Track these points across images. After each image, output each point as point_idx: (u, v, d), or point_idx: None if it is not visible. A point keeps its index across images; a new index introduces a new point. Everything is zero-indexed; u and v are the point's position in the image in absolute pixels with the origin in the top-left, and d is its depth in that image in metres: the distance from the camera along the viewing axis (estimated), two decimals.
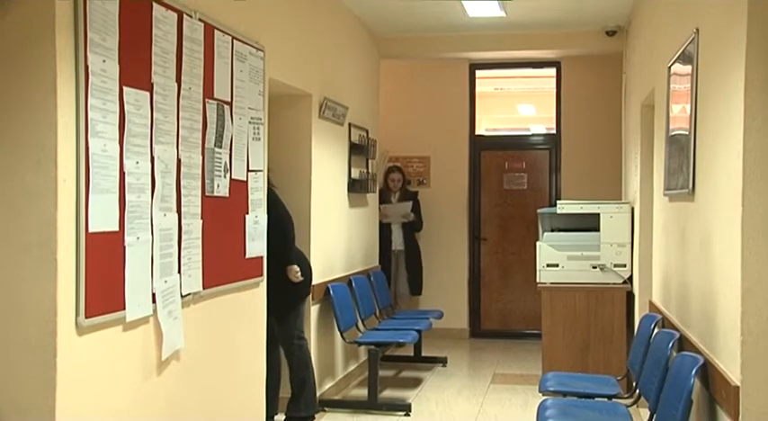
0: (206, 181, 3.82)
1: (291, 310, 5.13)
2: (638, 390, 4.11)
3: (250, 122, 4.33)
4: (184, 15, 3.60)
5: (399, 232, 8.10)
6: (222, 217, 4.00)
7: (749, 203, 2.65)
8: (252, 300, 4.44)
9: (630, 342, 5.34)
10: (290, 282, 5.02)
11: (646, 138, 5.58)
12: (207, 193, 3.83)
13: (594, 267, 6.11)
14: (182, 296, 3.56)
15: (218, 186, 3.94)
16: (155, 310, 3.32)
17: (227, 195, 4.06)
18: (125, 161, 3.10)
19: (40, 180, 2.75)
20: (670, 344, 3.62)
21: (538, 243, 6.32)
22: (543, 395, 4.33)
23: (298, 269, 5.03)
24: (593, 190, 7.76)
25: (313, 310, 5.56)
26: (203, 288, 3.78)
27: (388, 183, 8.10)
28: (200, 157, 3.76)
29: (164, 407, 3.46)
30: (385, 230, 8.02)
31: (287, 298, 5.04)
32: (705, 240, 3.30)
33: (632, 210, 6.08)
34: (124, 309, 3.11)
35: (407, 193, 8.19)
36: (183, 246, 3.57)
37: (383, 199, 7.95)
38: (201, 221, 3.75)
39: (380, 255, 7.88)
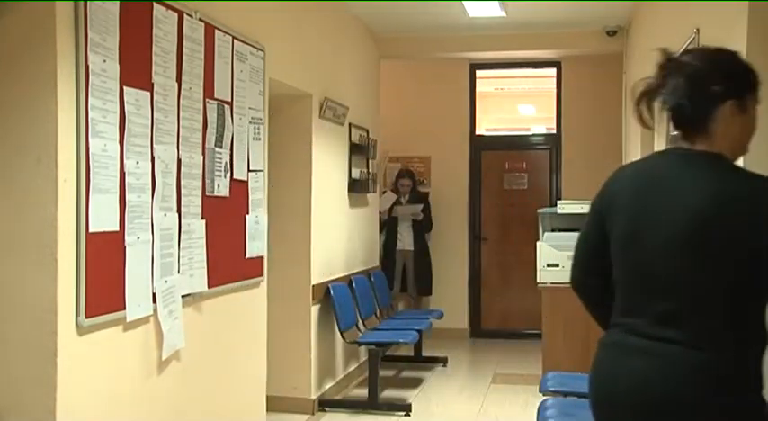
0: (206, 181, 3.82)
1: None
2: None
3: (250, 122, 4.33)
4: (185, 15, 3.60)
5: (409, 232, 8.09)
6: (222, 217, 4.00)
7: None
8: (252, 300, 4.44)
9: None
10: None
11: (646, 139, 5.58)
12: (207, 193, 3.83)
13: None
14: (182, 296, 3.56)
15: (218, 186, 3.94)
16: (155, 310, 3.32)
17: (228, 195, 4.06)
18: (125, 161, 3.10)
19: (40, 180, 2.75)
20: None
21: (538, 243, 6.31)
22: (544, 395, 4.31)
23: None
24: (593, 190, 7.64)
25: (313, 310, 5.56)
26: (203, 288, 3.78)
27: (398, 187, 8.12)
28: (201, 157, 3.76)
29: (164, 407, 3.46)
30: (391, 229, 8.03)
31: None
32: None
33: None
34: (124, 308, 3.11)
35: (418, 195, 8.22)
36: (183, 245, 3.57)
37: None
38: (202, 221, 3.76)
39: (384, 254, 7.88)
